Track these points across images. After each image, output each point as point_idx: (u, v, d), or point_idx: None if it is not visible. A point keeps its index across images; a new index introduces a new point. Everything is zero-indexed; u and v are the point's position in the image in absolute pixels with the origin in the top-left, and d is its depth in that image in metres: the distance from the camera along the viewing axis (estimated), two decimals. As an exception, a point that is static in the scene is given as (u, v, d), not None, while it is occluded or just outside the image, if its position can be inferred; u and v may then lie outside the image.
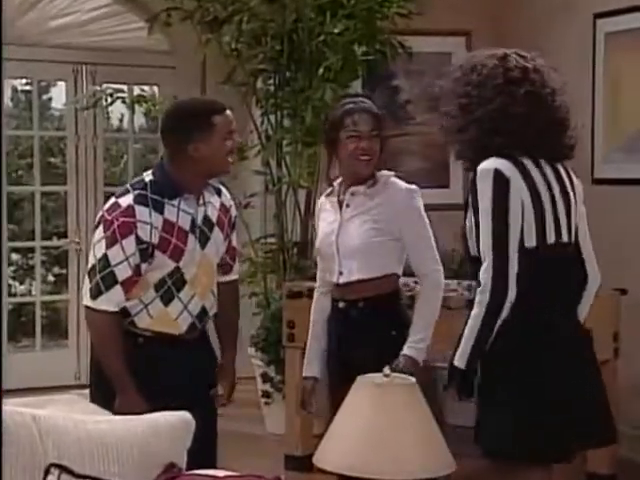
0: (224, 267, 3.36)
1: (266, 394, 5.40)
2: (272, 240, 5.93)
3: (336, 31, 5.09)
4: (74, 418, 2.68)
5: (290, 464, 4.63)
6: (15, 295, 7.14)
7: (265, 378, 5.39)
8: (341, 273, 3.35)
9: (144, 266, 3.06)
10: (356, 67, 5.44)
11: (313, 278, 4.00)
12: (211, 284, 3.26)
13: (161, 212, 3.09)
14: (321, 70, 5.26)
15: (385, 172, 3.42)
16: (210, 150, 3.09)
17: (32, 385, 5.62)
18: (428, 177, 5.74)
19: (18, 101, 7.42)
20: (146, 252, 3.06)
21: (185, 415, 2.66)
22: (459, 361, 2.77)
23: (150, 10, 6.07)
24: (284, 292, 4.92)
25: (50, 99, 7.64)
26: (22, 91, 7.46)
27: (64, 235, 7.00)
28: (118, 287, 3.03)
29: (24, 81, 7.30)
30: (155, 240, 3.06)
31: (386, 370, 2.48)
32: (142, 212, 3.05)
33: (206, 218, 3.20)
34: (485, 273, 2.69)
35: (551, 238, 2.79)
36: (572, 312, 2.92)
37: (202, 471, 2.56)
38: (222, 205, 3.28)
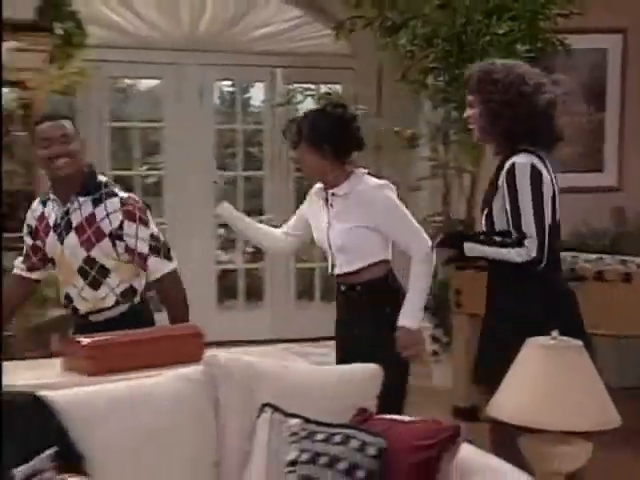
0: (141, 268, 3.24)
1: (434, 353, 5.34)
2: (438, 218, 5.84)
3: (501, 32, 4.94)
4: (281, 365, 2.71)
5: (457, 414, 4.55)
6: (220, 263, 7.27)
7: (434, 339, 5.34)
8: (334, 266, 3.34)
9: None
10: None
11: None
12: (70, 277, 3.22)
13: (44, 205, 3.27)
14: None
15: (358, 171, 3.33)
16: (35, 157, 3.27)
17: (235, 338, 5.75)
18: (583, 162, 5.58)
19: (224, 100, 7.56)
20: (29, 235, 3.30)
21: (375, 367, 2.64)
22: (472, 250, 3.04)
23: (336, 19, 6.05)
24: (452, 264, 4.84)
25: (249, 98, 7.75)
26: (227, 92, 7.58)
27: (260, 213, 7.10)
28: None
29: (229, 83, 7.44)
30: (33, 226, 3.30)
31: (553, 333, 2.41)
32: (35, 204, 3.32)
33: (67, 221, 3.17)
34: (530, 244, 2.89)
35: (556, 218, 3.05)
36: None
37: (389, 416, 2.53)
38: (91, 215, 3.14)
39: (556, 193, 3.03)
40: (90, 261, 3.15)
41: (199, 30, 6.71)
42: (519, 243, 2.90)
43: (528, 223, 2.90)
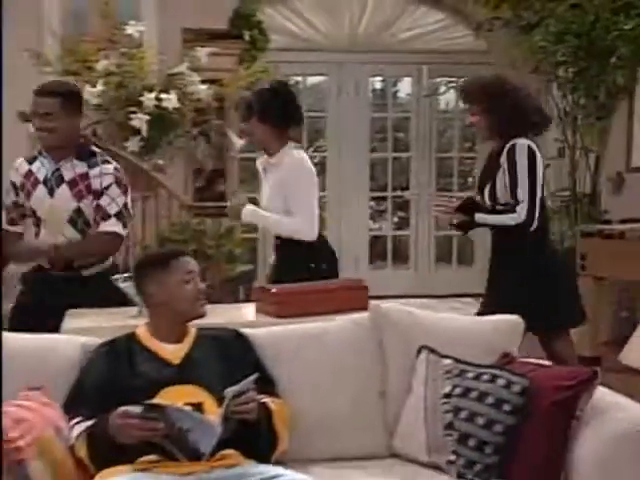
0: (96, 221, 3.00)
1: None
2: (565, 193, 5.65)
3: (628, 27, 4.71)
4: (436, 315, 2.69)
5: (581, 363, 4.41)
6: (372, 230, 7.27)
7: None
8: None
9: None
10: (640, 55, 5.08)
11: (599, 222, 3.80)
12: (59, 228, 3.00)
13: (30, 163, 3.05)
14: (613, 59, 4.92)
15: (293, 144, 3.24)
16: None
17: (384, 294, 5.75)
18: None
19: (376, 93, 7.51)
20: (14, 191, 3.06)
21: (517, 317, 2.58)
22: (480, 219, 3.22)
23: (475, 21, 5.92)
24: (578, 232, 4.68)
25: (397, 90, 7.67)
26: (379, 86, 7.53)
27: (407, 188, 7.06)
28: None
29: (379, 78, 7.39)
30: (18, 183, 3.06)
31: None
32: (18, 162, 3.09)
33: (59, 175, 2.97)
34: (522, 209, 3.07)
35: (543, 192, 3.21)
36: None
37: (532, 360, 2.47)
38: (85, 173, 2.96)
39: (543, 171, 3.22)
40: (79, 212, 3.00)
41: (357, 34, 6.70)
42: (513, 209, 3.08)
43: (523, 191, 3.07)
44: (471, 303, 3.34)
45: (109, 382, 2.18)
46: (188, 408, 2.02)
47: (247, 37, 5.65)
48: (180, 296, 2.22)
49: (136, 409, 1.97)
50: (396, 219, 7.48)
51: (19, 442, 1.98)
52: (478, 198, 3.32)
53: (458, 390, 2.30)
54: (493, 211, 3.20)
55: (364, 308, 2.68)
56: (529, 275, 3.19)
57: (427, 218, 6.86)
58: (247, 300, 4.69)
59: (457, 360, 2.37)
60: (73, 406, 2.17)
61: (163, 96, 4.50)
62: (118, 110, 4.56)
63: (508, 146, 3.14)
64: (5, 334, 2.43)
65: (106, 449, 2.02)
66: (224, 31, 5.43)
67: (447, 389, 2.32)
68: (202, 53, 4.77)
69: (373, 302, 2.67)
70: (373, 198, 7.26)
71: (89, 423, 2.08)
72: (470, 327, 2.60)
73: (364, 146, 6.93)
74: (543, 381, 2.27)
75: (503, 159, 3.14)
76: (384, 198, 7.20)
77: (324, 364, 2.41)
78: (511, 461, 2.20)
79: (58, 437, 2.08)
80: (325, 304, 2.81)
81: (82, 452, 2.06)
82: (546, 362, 2.49)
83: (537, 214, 3.09)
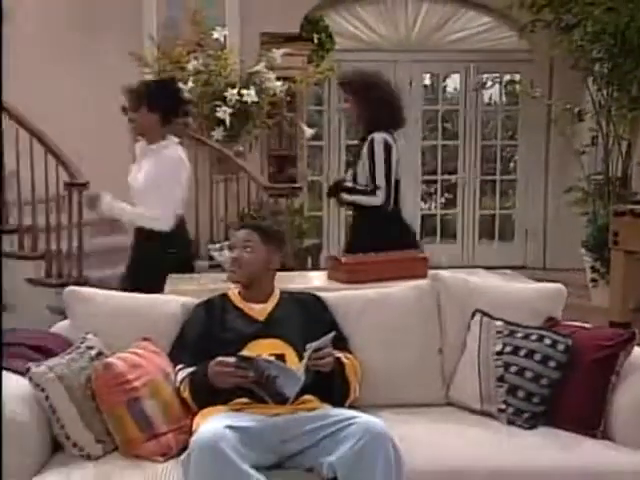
0: None
1: (593, 280, 5.06)
2: (599, 177, 5.51)
3: (659, 28, 4.56)
4: (487, 282, 2.66)
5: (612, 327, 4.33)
6: (422, 210, 7.20)
7: (593, 269, 5.05)
8: None
9: None
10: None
11: (630, 202, 3.68)
12: None
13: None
14: None
15: (172, 138, 3.12)
16: None
17: (434, 265, 5.70)
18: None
19: (425, 88, 7.39)
20: None
21: (560, 285, 2.54)
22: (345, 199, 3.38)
23: (518, 22, 5.78)
24: (611, 211, 4.55)
25: (446, 86, 7.54)
26: (430, 81, 7.41)
27: (454, 172, 6.97)
28: None
29: (428, 75, 7.27)
30: None
31: None
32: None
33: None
34: (381, 192, 3.20)
35: (398, 176, 3.29)
36: None
37: (574, 323, 2.43)
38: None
39: (399, 159, 3.29)
40: None
41: (411, 35, 6.60)
42: (373, 192, 3.21)
43: (380, 178, 3.19)
44: (510, 274, 3.28)
45: (205, 335, 2.23)
46: (273, 358, 2.06)
47: (315, 40, 5.63)
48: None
49: (230, 359, 2.01)
50: (443, 200, 7.39)
51: (135, 383, 2.05)
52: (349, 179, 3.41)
53: (508, 348, 2.30)
54: (354, 190, 3.30)
55: (424, 276, 2.67)
56: (383, 243, 3.03)
57: (472, 199, 6.77)
58: (314, 269, 4.74)
59: (507, 322, 2.36)
60: (177, 355, 2.23)
61: (244, 92, 4.51)
62: (205, 104, 4.59)
63: (369, 138, 3.23)
64: (121, 294, 2.51)
65: (205, 392, 2.07)
66: (296, 34, 5.41)
67: (499, 347, 2.31)
68: (277, 54, 4.75)
69: (432, 271, 2.66)
70: (424, 181, 7.18)
71: (190, 370, 2.14)
72: (517, 293, 2.57)
73: (417, 135, 6.84)
74: (585, 341, 2.25)
75: (365, 149, 3.24)
76: (434, 181, 7.12)
77: (389, 324, 2.42)
78: (556, 411, 2.20)
79: (166, 381, 2.14)
80: (389, 272, 2.80)
81: (186, 394, 2.12)
82: (587, 325, 2.43)
83: (392, 196, 3.22)
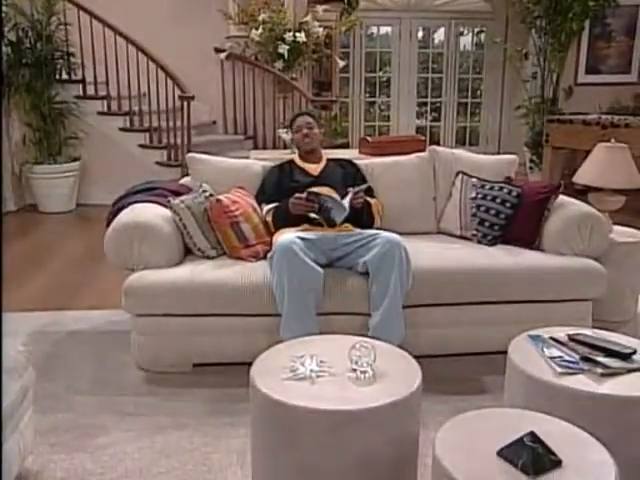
0: None
1: (530, 168, 4.83)
2: (537, 99, 5.15)
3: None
4: (467, 154, 2.51)
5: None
6: (416, 124, 6.86)
7: (531, 161, 4.82)
8: None
9: None
10: (587, 12, 4.65)
11: (558, 114, 3.41)
12: None
13: None
14: (570, 14, 4.54)
15: None
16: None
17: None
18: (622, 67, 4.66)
19: (421, 39, 6.84)
20: None
21: (514, 156, 2.41)
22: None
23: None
24: (545, 121, 4.35)
25: (434, 37, 6.96)
26: (422, 35, 6.84)
27: (439, 97, 6.58)
28: None
29: (422, 29, 6.69)
30: None
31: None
32: None
33: None
34: None
35: None
36: None
37: (525, 178, 2.34)
38: None
39: None
40: None
41: (411, 1, 6.07)
42: None
43: None
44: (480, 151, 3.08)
45: (278, 185, 2.21)
46: (332, 194, 2.03)
47: (346, 1, 5.24)
48: (296, 139, 2.26)
49: (303, 195, 2.00)
50: (431, 117, 7.07)
51: (235, 212, 2.06)
52: None
53: (480, 195, 2.25)
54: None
55: (424, 150, 2.58)
56: None
57: (451, 116, 6.47)
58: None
59: (479, 179, 2.31)
60: (259, 197, 2.22)
61: (297, 35, 4.28)
62: (270, 44, 4.37)
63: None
64: (224, 158, 2.46)
65: (283, 217, 2.07)
66: (333, -4, 5.03)
67: (473, 194, 2.27)
68: (319, 9, 4.48)
69: (430, 147, 2.56)
70: (418, 104, 6.86)
71: (273, 205, 2.13)
72: (486, 160, 2.45)
73: (413, 71, 6.46)
74: (529, 190, 2.20)
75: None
76: (425, 103, 6.77)
77: (400, 180, 2.36)
78: (509, 234, 2.17)
79: (254, 212, 2.14)
80: (401, 148, 2.73)
81: (269, 218, 2.12)
82: (532, 180, 2.34)
83: None
